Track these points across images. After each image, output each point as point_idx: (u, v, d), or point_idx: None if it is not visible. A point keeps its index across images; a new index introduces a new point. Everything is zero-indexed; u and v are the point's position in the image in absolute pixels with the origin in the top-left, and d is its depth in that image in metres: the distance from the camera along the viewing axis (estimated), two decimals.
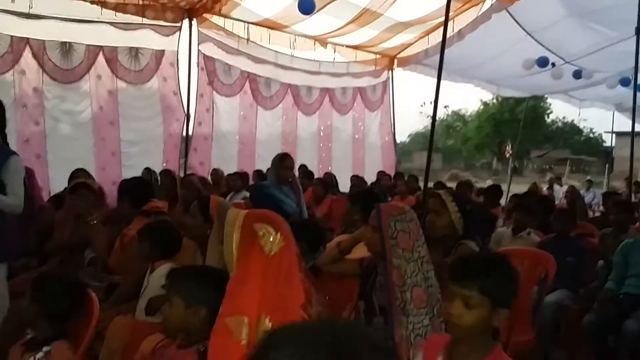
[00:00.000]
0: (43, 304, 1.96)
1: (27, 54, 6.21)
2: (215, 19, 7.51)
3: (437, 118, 6.86)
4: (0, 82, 6.03)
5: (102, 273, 3.40)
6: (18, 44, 6.14)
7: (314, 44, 8.61)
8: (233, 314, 1.53)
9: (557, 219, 4.32)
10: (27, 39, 6.17)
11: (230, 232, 1.58)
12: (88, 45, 6.58)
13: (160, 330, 2.50)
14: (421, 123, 42.06)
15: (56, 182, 5.89)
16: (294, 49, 8.48)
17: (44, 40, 6.26)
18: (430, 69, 9.03)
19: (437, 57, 5.84)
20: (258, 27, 7.82)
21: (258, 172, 7.50)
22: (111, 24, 6.63)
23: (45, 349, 1.96)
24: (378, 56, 9.64)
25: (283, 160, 4.48)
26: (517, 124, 26.88)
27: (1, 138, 3.11)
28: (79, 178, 4.80)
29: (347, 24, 7.86)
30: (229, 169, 7.73)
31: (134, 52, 7.04)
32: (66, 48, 6.44)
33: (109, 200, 5.08)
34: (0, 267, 3.06)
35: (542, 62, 8.28)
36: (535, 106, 31.11)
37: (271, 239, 1.57)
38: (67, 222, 3.60)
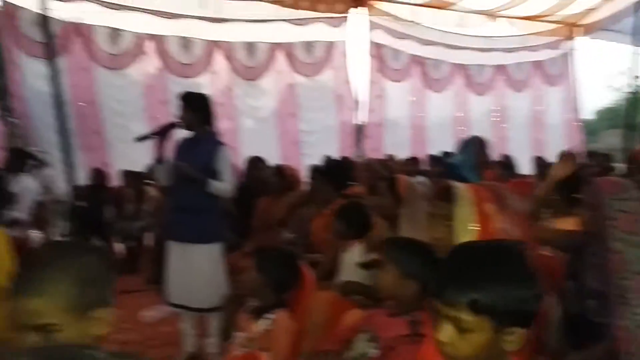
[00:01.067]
0: (267, 274, 2.15)
1: (218, 55, 6.88)
2: (381, 4, 7.56)
3: (630, 90, 6.09)
4: (195, 84, 6.75)
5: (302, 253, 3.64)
6: (210, 47, 6.84)
7: (484, 19, 8.22)
8: None
9: None
10: (218, 41, 6.84)
11: (466, 210, 1.59)
12: (269, 43, 7.09)
13: (359, 306, 2.61)
14: (609, 97, 37.54)
15: None
16: (462, 27, 8.18)
17: (231, 42, 6.88)
18: (620, 35, 8.04)
19: (629, 20, 5.16)
20: (424, 8, 7.70)
21: (432, 157, 7.38)
22: (287, 21, 7.05)
23: (268, 316, 2.16)
24: (557, 25, 8.84)
25: (483, 143, 4.36)
26: None
27: (211, 129, 3.49)
28: (256, 165, 5.24)
29: None
30: (401, 154, 7.75)
31: (308, 45, 7.41)
32: (250, 48, 7.01)
33: None
34: (216, 246, 3.46)
35: None
36: None
37: (495, 218, 1.56)
38: (266, 204, 3.93)
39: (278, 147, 7.26)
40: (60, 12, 5.64)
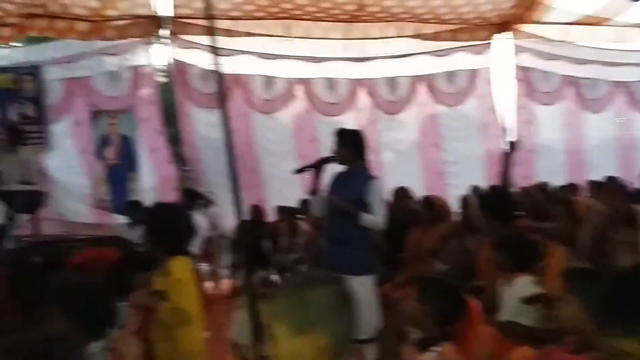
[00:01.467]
0: (431, 304, 2.13)
1: (361, 93, 7.10)
2: (528, 27, 7.25)
3: None
4: (340, 122, 6.95)
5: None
6: (353, 86, 7.09)
7: None
8: None
9: None
10: (361, 79, 7.07)
11: None
12: (410, 77, 7.16)
13: (524, 344, 2.46)
14: None
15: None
16: (620, 42, 7.53)
17: (374, 79, 7.07)
18: None
19: None
20: (576, 26, 7.23)
21: (593, 182, 6.79)
22: (429, 53, 7.08)
23: (435, 349, 2.12)
24: None
25: None
26: None
27: (364, 164, 3.60)
28: (402, 196, 5.19)
29: None
30: (556, 181, 7.25)
31: (450, 75, 7.33)
32: (392, 82, 7.13)
33: None
34: (369, 277, 3.51)
35: None
36: None
37: None
38: (416, 235, 3.92)
39: (422, 178, 7.20)
40: (222, 65, 6.27)
